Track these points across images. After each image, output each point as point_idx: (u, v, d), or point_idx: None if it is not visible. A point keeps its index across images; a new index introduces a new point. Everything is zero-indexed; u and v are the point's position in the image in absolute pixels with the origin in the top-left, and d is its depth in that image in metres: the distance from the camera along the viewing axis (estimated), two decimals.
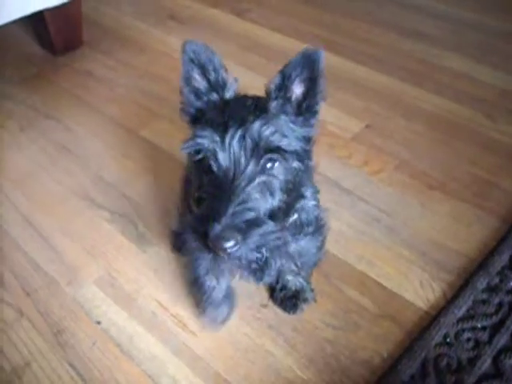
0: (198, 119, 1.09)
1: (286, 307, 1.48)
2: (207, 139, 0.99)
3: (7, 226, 1.78)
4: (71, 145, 2.09)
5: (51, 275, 1.62)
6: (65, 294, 1.57)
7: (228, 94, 1.09)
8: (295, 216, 1.19)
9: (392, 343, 1.41)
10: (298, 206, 1.18)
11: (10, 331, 1.49)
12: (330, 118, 2.11)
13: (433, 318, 1.44)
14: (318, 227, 1.31)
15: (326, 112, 2.13)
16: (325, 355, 1.39)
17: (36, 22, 2.57)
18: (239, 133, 0.97)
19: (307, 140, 1.09)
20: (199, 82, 1.09)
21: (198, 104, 1.10)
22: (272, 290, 1.52)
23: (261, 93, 1.09)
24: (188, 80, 1.09)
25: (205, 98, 1.09)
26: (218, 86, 1.08)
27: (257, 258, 0.99)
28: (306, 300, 1.48)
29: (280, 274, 1.46)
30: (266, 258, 1.05)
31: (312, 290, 1.51)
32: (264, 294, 1.52)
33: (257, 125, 0.98)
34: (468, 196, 1.78)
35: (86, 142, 2.12)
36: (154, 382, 1.36)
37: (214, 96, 1.08)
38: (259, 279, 1.23)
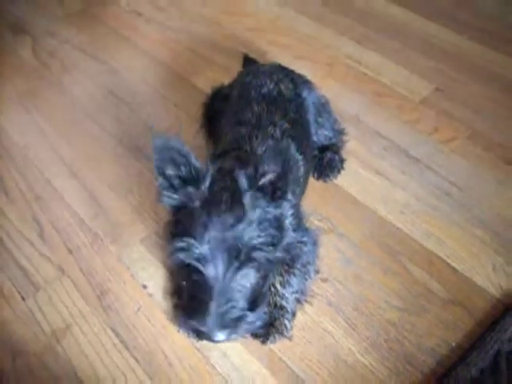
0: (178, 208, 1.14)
1: (257, 334, 1.30)
2: (187, 252, 1.07)
3: (50, 175, 1.68)
4: (118, 90, 1.97)
5: (95, 232, 1.52)
6: (109, 253, 1.47)
7: (205, 184, 1.11)
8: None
9: (461, 332, 1.29)
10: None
11: (51, 290, 1.40)
12: (398, 78, 1.94)
13: (506, 307, 1.32)
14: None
15: (392, 71, 1.97)
16: (388, 339, 1.28)
17: None
18: (217, 236, 1.05)
19: (279, 220, 1.15)
20: (173, 176, 1.12)
21: (175, 198, 1.13)
22: None
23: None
24: (161, 172, 1.12)
25: (179, 194, 1.13)
26: (192, 179, 1.11)
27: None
28: (280, 333, 1.30)
29: None
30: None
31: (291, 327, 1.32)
32: (324, 268, 1.40)
33: (234, 231, 1.06)
34: None
35: (134, 87, 1.99)
36: (203, 355, 1.27)
37: (189, 189, 1.11)
38: None
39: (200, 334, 1.10)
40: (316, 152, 1.63)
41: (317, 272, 1.37)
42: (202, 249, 1.06)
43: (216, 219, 1.07)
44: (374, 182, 1.61)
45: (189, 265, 1.09)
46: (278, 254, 1.14)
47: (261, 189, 1.11)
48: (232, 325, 1.08)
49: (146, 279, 1.41)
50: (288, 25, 2.24)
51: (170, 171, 1.12)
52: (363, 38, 2.13)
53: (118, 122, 1.84)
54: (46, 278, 1.43)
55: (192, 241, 1.07)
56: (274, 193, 1.12)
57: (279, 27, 2.24)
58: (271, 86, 1.48)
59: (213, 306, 1.06)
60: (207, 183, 1.11)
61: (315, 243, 1.38)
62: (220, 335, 1.07)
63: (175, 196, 1.13)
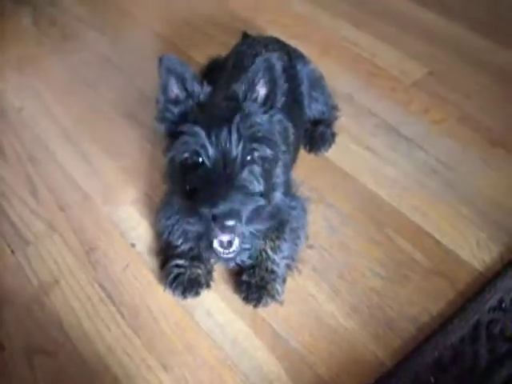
0: (173, 131, 1.17)
1: (249, 297, 1.31)
2: (195, 136, 1.10)
3: (47, 138, 1.70)
4: (116, 58, 1.99)
5: (87, 192, 1.54)
6: (100, 212, 1.50)
7: (202, 98, 1.18)
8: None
9: (443, 301, 1.31)
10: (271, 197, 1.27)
11: (40, 246, 1.42)
12: (392, 60, 1.96)
13: (488, 280, 1.34)
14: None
15: (387, 53, 2.00)
16: (370, 305, 1.30)
17: None
18: (225, 128, 1.10)
19: (273, 134, 1.21)
20: (175, 91, 1.18)
21: (176, 110, 1.18)
22: (239, 272, 1.37)
23: None
24: (165, 90, 1.18)
25: (181, 106, 1.18)
26: (193, 93, 1.18)
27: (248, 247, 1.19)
28: (272, 296, 1.31)
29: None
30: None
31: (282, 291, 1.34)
32: (311, 236, 1.43)
33: (238, 120, 1.11)
34: None
35: (131, 56, 2.01)
36: (187, 312, 1.29)
37: (190, 102, 1.17)
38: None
39: (207, 226, 1.07)
40: (308, 125, 1.65)
41: (306, 239, 1.40)
42: (208, 135, 1.10)
43: (219, 115, 1.13)
44: (364, 157, 1.64)
45: (187, 159, 1.13)
46: (274, 155, 1.18)
47: (255, 100, 1.19)
48: (244, 202, 1.07)
49: (135, 238, 1.44)
50: (287, 5, 2.27)
51: (174, 90, 1.19)
52: (360, 22, 2.15)
53: (114, 89, 1.86)
54: (36, 234, 1.45)
55: (198, 128, 1.10)
56: (265, 105, 1.20)
57: (278, 7, 2.26)
58: None
59: (227, 188, 1.06)
60: (206, 96, 1.18)
61: (304, 209, 1.41)
62: (232, 221, 1.05)
63: (175, 109, 1.17)
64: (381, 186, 1.55)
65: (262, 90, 1.20)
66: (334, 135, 1.67)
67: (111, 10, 2.23)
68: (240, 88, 1.18)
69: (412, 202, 1.51)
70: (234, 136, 1.10)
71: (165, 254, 1.36)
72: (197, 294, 1.31)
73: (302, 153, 1.62)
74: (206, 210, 1.06)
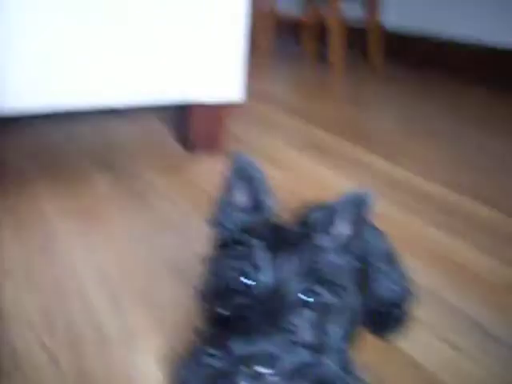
0: (226, 239, 0.99)
1: None
2: (251, 251, 0.90)
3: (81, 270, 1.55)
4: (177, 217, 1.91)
5: (106, 332, 1.32)
6: (115, 355, 1.24)
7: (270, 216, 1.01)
8: None
9: None
10: None
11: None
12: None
13: None
14: None
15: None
16: None
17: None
18: (288, 254, 0.90)
19: (341, 280, 0.98)
20: (241, 198, 1.01)
21: (237, 218, 1.00)
22: None
23: None
24: (230, 192, 1.01)
25: (244, 216, 1.00)
26: (263, 206, 1.00)
27: None
28: None
29: None
30: None
31: None
32: None
33: (307, 250, 0.92)
34: None
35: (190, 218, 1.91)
36: None
37: (256, 215, 0.99)
38: None
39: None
40: (375, 304, 1.40)
41: None
42: (263, 259, 0.88)
43: (290, 239, 0.93)
44: (441, 350, 1.33)
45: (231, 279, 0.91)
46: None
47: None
48: (286, 350, 0.83)
49: None
50: None
51: (239, 196, 1.01)
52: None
53: (169, 247, 1.73)
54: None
55: (255, 242, 0.90)
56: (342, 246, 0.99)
57: None
58: None
59: (266, 324, 0.83)
60: (271, 215, 0.99)
61: None
62: (266, 361, 0.80)
63: (236, 217, 0.99)
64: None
65: (342, 229, 0.99)
66: (404, 317, 1.40)
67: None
68: (318, 217, 0.99)
69: None
70: (297, 266, 0.89)
71: None
72: None
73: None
74: (237, 346, 0.82)
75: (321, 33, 4.85)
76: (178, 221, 1.91)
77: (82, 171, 2.24)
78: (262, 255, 0.89)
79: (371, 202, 0.97)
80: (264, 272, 0.88)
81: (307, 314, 0.91)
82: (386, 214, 2.05)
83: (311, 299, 0.91)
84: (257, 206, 1.00)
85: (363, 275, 1.32)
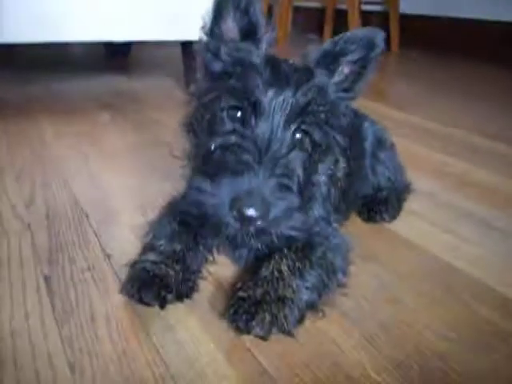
0: (218, 70, 0.92)
1: (239, 314, 0.85)
2: (250, 84, 0.84)
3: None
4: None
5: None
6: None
7: (261, 46, 0.92)
8: None
9: None
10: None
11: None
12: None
13: None
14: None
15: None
16: (424, 365, 0.81)
17: None
18: (288, 89, 0.85)
19: (336, 121, 0.94)
20: (232, 23, 0.93)
21: (229, 48, 0.91)
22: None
23: None
24: (218, 19, 0.93)
25: (237, 45, 0.92)
26: (250, 33, 0.92)
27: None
28: (280, 325, 0.85)
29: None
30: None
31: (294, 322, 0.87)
32: (352, 285, 0.99)
33: (306, 87, 0.86)
34: None
35: None
36: (140, 320, 0.87)
37: (249, 45, 0.91)
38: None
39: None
40: (370, 191, 1.31)
41: (342, 277, 0.98)
42: (262, 97, 0.83)
43: (283, 75, 0.86)
44: (441, 237, 1.22)
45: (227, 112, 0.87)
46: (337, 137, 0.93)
47: (332, 72, 0.92)
48: (277, 195, 0.79)
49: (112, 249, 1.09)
50: None
51: (227, 23, 0.93)
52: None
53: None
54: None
55: (254, 75, 0.85)
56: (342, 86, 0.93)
57: None
58: None
59: (263, 170, 0.79)
60: (265, 45, 0.91)
61: (347, 245, 1.02)
62: (255, 208, 0.75)
63: (224, 56, 0.91)
64: (459, 259, 1.12)
65: (345, 68, 0.93)
66: (401, 204, 1.31)
67: None
68: (318, 53, 0.92)
69: (500, 278, 1.05)
70: (296, 104, 0.84)
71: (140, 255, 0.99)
72: (157, 298, 0.89)
73: (358, 222, 1.27)
74: (227, 183, 0.78)
75: (337, 20, 4.83)
76: (170, 139, 1.83)
77: (86, 109, 2.21)
78: (261, 88, 0.84)
79: (381, 44, 0.91)
80: (264, 106, 0.83)
81: (298, 155, 0.87)
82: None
83: (306, 138, 0.88)
84: (251, 31, 0.92)
85: (357, 159, 1.25)
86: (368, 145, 1.31)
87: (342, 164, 1.12)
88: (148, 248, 0.98)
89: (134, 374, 0.77)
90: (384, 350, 0.84)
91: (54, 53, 3.51)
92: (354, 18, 4.16)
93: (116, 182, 1.45)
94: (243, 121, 0.85)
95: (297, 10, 4.84)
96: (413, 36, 4.65)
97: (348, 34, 0.91)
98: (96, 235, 1.16)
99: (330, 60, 0.91)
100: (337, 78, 0.93)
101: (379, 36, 0.91)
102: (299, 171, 0.87)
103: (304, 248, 0.94)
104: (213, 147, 0.86)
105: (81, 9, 2.04)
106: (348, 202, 1.19)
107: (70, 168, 1.54)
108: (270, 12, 4.88)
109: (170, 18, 2.19)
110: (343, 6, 4.39)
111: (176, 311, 0.90)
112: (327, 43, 0.92)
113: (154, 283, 0.89)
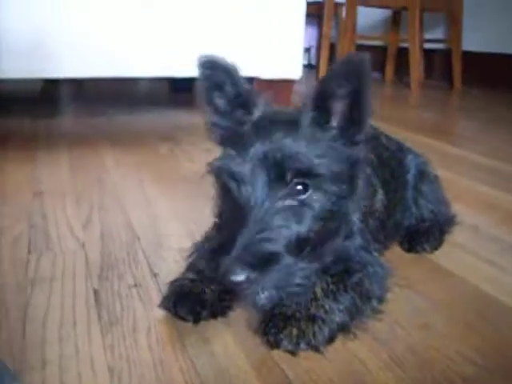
0: (227, 139, 0.95)
1: (269, 328, 0.89)
2: (226, 160, 0.88)
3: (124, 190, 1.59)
4: None
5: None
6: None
7: (256, 111, 0.94)
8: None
9: None
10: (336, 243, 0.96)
11: None
12: None
13: None
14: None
15: None
16: None
17: None
18: (261, 151, 0.85)
19: (353, 161, 0.92)
20: (219, 100, 0.97)
21: (224, 123, 0.97)
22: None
23: None
24: (209, 99, 0.97)
25: (230, 117, 0.96)
26: (240, 102, 0.95)
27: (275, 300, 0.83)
28: (308, 340, 0.88)
29: None
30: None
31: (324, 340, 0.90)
32: (386, 311, 1.01)
33: (284, 142, 0.86)
34: None
35: None
36: (178, 332, 0.92)
37: (240, 114, 0.95)
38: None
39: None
40: (413, 221, 1.33)
41: (377, 303, 1.00)
42: (243, 166, 0.85)
43: (264, 135, 0.87)
44: (481, 267, 1.22)
45: (225, 184, 0.89)
46: (343, 192, 0.89)
47: (327, 113, 0.89)
48: (258, 263, 0.79)
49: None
50: None
51: (218, 97, 0.97)
52: None
53: None
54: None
55: (233, 152, 0.87)
56: (347, 130, 0.89)
57: None
58: None
59: (240, 235, 0.80)
60: (262, 108, 0.94)
61: (384, 271, 1.04)
62: (238, 273, 0.77)
63: (224, 123, 0.96)
64: (498, 290, 1.12)
65: (340, 102, 0.88)
66: (443, 235, 1.32)
67: None
68: (306, 100, 0.90)
69: None
70: (272, 163, 0.84)
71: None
72: (191, 313, 0.95)
73: (399, 252, 1.29)
74: (223, 260, 0.81)
75: (399, 58, 4.89)
76: None
77: (147, 141, 2.34)
78: (235, 159, 0.87)
79: (367, 68, 0.84)
80: (240, 179, 0.86)
81: (292, 208, 0.85)
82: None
83: (298, 188, 0.86)
84: (237, 101, 0.95)
85: (400, 190, 1.28)
86: (410, 177, 1.33)
87: (380, 196, 1.16)
88: (190, 267, 1.04)
89: (167, 380, 0.82)
90: (411, 372, 0.85)
91: (120, 87, 3.73)
92: (415, 57, 4.19)
93: (168, 208, 1.54)
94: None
95: (360, 48, 4.90)
96: (475, 73, 4.64)
97: (331, 69, 0.90)
98: (145, 256, 1.24)
99: (321, 102, 0.89)
100: (334, 121, 0.90)
101: (362, 61, 0.84)
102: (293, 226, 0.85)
103: (341, 273, 0.97)
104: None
105: (146, 46, 2.20)
106: (388, 232, 1.22)
107: (126, 193, 1.65)
108: (332, 51, 4.98)
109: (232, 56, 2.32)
110: (406, 45, 4.43)
111: (213, 327, 0.95)
112: (315, 86, 0.89)
113: (189, 299, 0.96)
